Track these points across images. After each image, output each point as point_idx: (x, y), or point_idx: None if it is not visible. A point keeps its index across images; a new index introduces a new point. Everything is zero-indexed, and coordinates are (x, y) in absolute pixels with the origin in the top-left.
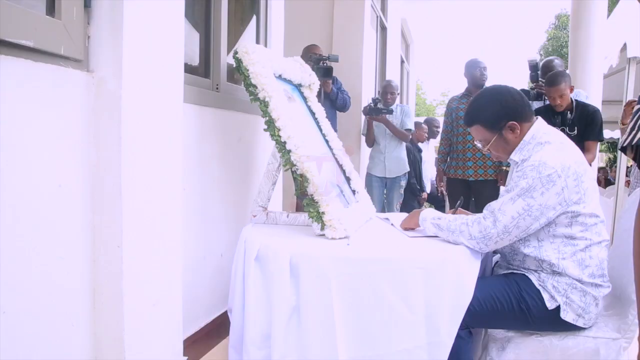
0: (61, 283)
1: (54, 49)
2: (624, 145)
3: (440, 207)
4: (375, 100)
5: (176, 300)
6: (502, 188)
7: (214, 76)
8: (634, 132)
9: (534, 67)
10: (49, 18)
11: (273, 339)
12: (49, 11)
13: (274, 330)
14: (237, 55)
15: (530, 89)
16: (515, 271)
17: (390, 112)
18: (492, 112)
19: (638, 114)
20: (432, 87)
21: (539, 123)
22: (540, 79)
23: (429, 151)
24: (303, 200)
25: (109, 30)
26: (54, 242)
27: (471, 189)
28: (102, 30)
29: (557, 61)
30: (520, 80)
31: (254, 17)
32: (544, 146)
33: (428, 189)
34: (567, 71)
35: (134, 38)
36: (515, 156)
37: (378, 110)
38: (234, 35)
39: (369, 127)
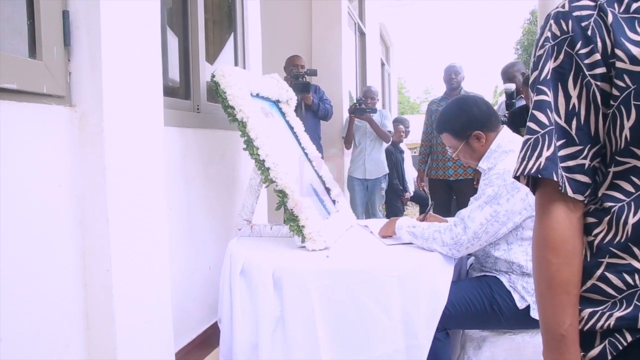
0: (55, 307)
1: (37, 89)
2: (516, 176)
3: (425, 206)
4: (360, 101)
5: (166, 316)
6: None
7: (194, 97)
8: (524, 163)
9: (509, 95)
10: (30, 60)
11: (260, 348)
12: (30, 52)
13: (260, 340)
14: (214, 79)
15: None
16: (487, 273)
17: (375, 111)
18: (459, 122)
19: (527, 144)
20: (415, 85)
21: (505, 132)
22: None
23: (407, 151)
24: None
25: (88, 65)
26: (47, 268)
27: (452, 189)
28: (82, 66)
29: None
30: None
31: (232, 36)
32: (508, 154)
33: (412, 188)
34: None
35: (113, 70)
36: (482, 164)
37: (363, 110)
38: (213, 54)
39: (349, 127)
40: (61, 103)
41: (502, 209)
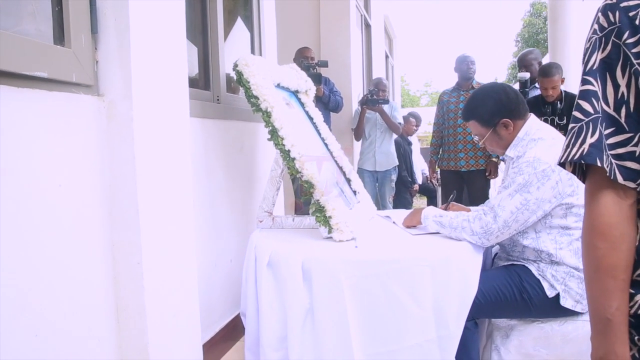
0: (85, 302)
1: (66, 77)
2: (561, 162)
3: (432, 197)
4: (372, 92)
5: (194, 309)
6: (492, 181)
7: (214, 88)
8: (568, 150)
9: (523, 84)
10: (60, 48)
11: (290, 341)
12: (57, 40)
13: (290, 333)
14: (237, 68)
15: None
16: (515, 262)
17: (387, 102)
18: (486, 109)
19: (571, 132)
20: (416, 79)
21: (532, 120)
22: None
23: (415, 143)
24: (309, 205)
25: (116, 53)
26: (76, 262)
27: (464, 180)
28: (110, 54)
29: (536, 52)
30: (499, 69)
31: (248, 27)
32: (537, 142)
33: (420, 180)
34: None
35: (141, 59)
36: (510, 152)
37: (375, 101)
38: (230, 45)
39: (360, 119)
40: (89, 92)
41: (533, 197)
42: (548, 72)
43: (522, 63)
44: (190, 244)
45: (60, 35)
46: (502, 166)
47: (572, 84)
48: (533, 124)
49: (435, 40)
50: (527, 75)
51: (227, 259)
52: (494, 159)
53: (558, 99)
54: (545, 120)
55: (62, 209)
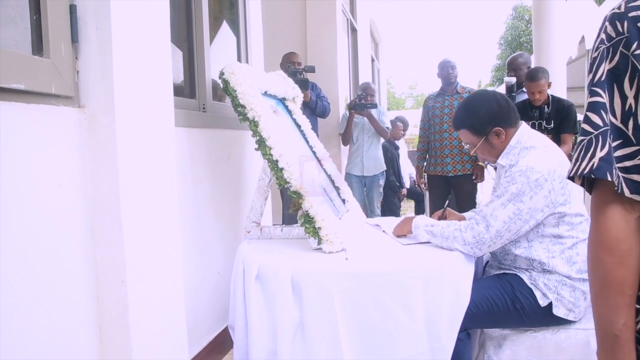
0: (66, 322)
1: (44, 89)
2: (570, 176)
3: (420, 202)
4: (360, 96)
5: (180, 326)
6: (479, 185)
7: (200, 96)
8: (578, 164)
9: (509, 88)
10: (37, 58)
11: (279, 355)
12: (36, 50)
13: (279, 347)
14: (223, 77)
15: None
16: (507, 271)
17: (375, 106)
18: (478, 118)
19: (580, 145)
20: (401, 82)
21: (524, 127)
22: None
23: (403, 147)
24: (297, 216)
25: (98, 63)
26: (56, 282)
27: (451, 184)
28: (92, 64)
29: (525, 56)
30: (484, 71)
31: (234, 34)
32: (529, 151)
33: (407, 184)
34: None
35: (124, 69)
36: (502, 160)
37: (363, 106)
38: (216, 52)
39: (348, 124)
40: (69, 104)
41: (525, 207)
42: (534, 77)
43: (511, 67)
44: (176, 259)
45: (38, 44)
46: (489, 170)
47: (558, 87)
48: (524, 131)
49: (420, 43)
50: (513, 79)
51: (214, 271)
52: (480, 163)
53: (545, 103)
54: (533, 125)
55: (41, 227)
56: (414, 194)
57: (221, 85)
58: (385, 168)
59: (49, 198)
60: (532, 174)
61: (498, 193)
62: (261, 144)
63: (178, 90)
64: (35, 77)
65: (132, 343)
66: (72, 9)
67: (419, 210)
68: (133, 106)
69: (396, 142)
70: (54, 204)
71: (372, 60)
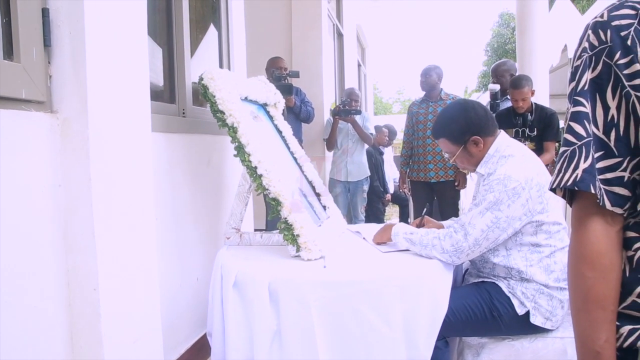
0: (36, 331)
1: (14, 94)
2: (552, 188)
3: (404, 207)
4: (344, 102)
5: (156, 334)
6: (462, 192)
7: (179, 101)
8: (560, 175)
9: (494, 95)
10: (7, 62)
11: None
12: (6, 54)
13: (256, 355)
14: (202, 82)
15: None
16: (485, 279)
17: (359, 112)
18: (456, 127)
19: (563, 156)
20: (388, 86)
21: (502, 136)
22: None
23: (388, 152)
24: (277, 223)
25: (71, 67)
26: (26, 290)
27: (434, 191)
28: (65, 69)
29: (510, 63)
30: (470, 78)
31: (216, 38)
32: (507, 159)
33: (391, 189)
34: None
35: (98, 73)
36: (481, 169)
37: (347, 112)
38: (197, 56)
39: (332, 129)
40: (41, 109)
41: (503, 215)
42: (518, 84)
43: (495, 74)
44: (152, 266)
45: (8, 49)
46: (472, 176)
47: (540, 95)
48: (503, 140)
49: (407, 48)
50: (497, 87)
51: (193, 277)
52: (462, 170)
53: (528, 110)
54: (517, 132)
55: (11, 233)
56: (399, 199)
57: (200, 90)
58: (370, 174)
59: (19, 204)
60: (510, 182)
61: (476, 201)
62: (240, 150)
63: (157, 95)
64: (5, 82)
65: (105, 351)
66: (45, 12)
67: (404, 215)
68: (107, 111)
69: (382, 148)
70: (24, 210)
71: (359, 66)
